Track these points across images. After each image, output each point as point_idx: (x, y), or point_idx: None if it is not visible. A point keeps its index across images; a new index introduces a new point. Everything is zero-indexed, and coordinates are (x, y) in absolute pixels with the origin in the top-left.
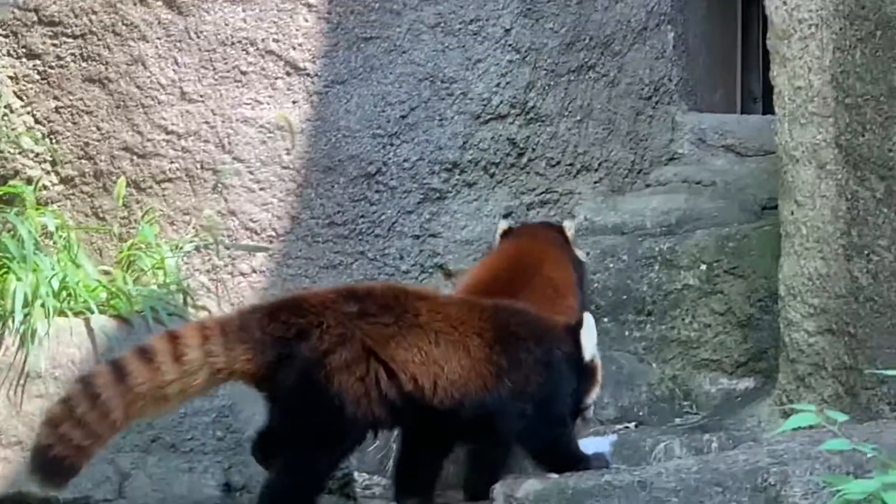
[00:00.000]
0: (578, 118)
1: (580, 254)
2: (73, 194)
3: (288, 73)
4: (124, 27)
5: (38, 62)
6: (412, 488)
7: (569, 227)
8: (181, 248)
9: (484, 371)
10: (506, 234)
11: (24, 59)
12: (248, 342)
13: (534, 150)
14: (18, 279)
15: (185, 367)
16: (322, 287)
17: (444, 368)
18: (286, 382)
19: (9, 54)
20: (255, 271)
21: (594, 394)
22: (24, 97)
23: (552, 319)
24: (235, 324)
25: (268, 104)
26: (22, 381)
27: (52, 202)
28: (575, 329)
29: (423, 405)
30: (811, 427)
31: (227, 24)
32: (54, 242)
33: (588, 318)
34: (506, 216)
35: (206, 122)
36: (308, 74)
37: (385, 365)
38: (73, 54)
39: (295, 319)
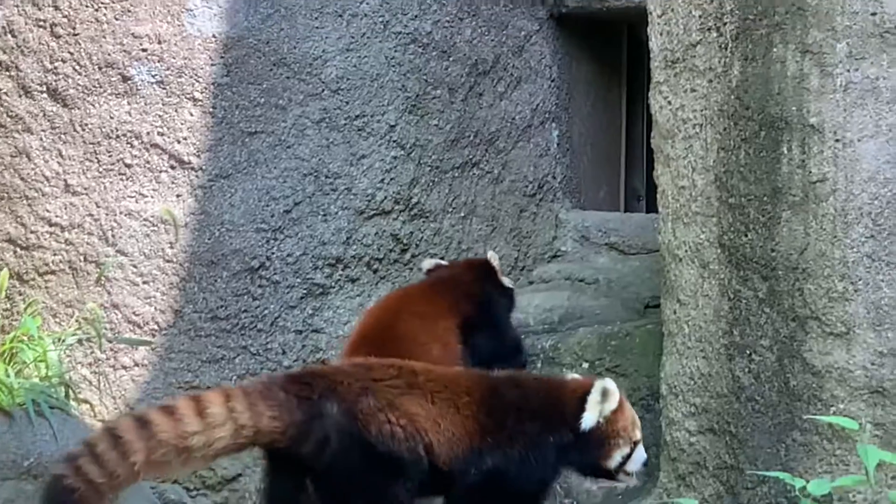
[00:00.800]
0: (462, 214)
1: (507, 281)
2: None
3: (172, 167)
4: (9, 119)
5: None
6: None
7: (492, 257)
8: (63, 340)
9: (472, 430)
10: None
11: None
12: (274, 400)
13: (417, 245)
14: None
15: (209, 419)
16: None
17: (440, 425)
18: (325, 444)
19: None
20: (137, 365)
21: (618, 455)
22: None
23: (562, 390)
24: (258, 387)
25: (152, 197)
26: None
27: None
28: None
29: (432, 464)
30: None
31: (112, 117)
32: None
33: (598, 384)
34: (433, 256)
35: (90, 215)
36: (193, 168)
37: (404, 416)
38: None
39: (316, 381)
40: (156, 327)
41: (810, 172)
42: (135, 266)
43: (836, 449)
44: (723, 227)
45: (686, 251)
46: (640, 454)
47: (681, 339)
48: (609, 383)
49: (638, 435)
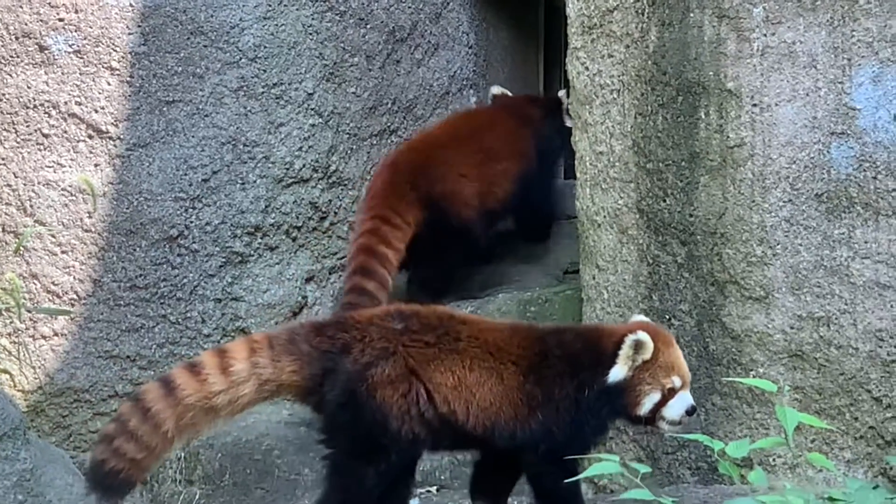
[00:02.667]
0: None
1: (569, 121)
2: None
3: (90, 136)
4: None
5: None
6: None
7: (562, 95)
8: None
9: (516, 401)
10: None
11: None
12: (296, 354)
13: (336, 213)
14: None
15: (233, 377)
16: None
17: (475, 395)
18: (331, 395)
19: None
20: (56, 334)
21: (647, 402)
22: None
23: (599, 344)
24: (283, 337)
25: (70, 167)
26: None
27: None
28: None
29: (458, 429)
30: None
31: (29, 87)
32: None
33: (630, 338)
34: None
35: (8, 185)
36: (110, 137)
37: (424, 385)
38: None
39: (340, 334)
40: (75, 297)
41: (728, 137)
42: (53, 236)
43: (756, 412)
44: (641, 193)
45: (604, 217)
46: (681, 401)
47: (600, 305)
48: (642, 336)
49: (675, 382)
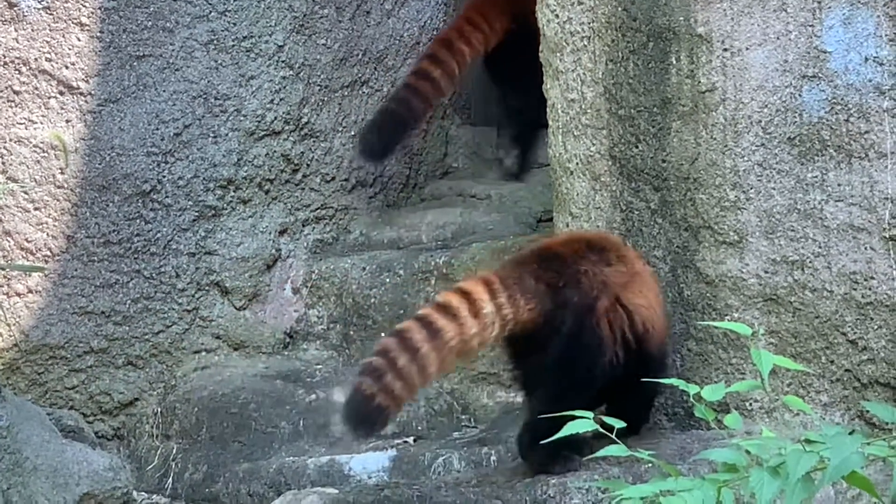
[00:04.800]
0: (353, 133)
1: None
2: None
3: (61, 93)
4: None
5: None
6: None
7: None
8: None
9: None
10: None
11: None
12: (528, 291)
13: (308, 165)
14: None
15: (485, 320)
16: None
17: (657, 313)
18: (565, 329)
19: None
20: (31, 291)
21: None
22: None
23: None
24: (513, 276)
25: (41, 123)
26: None
27: None
28: None
29: (643, 352)
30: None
31: None
32: None
33: None
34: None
35: None
36: (81, 93)
37: (626, 309)
38: None
39: (562, 268)
40: (48, 253)
41: (699, 82)
42: (26, 193)
43: (732, 357)
44: (613, 140)
45: (577, 164)
46: None
47: None
48: None
49: None
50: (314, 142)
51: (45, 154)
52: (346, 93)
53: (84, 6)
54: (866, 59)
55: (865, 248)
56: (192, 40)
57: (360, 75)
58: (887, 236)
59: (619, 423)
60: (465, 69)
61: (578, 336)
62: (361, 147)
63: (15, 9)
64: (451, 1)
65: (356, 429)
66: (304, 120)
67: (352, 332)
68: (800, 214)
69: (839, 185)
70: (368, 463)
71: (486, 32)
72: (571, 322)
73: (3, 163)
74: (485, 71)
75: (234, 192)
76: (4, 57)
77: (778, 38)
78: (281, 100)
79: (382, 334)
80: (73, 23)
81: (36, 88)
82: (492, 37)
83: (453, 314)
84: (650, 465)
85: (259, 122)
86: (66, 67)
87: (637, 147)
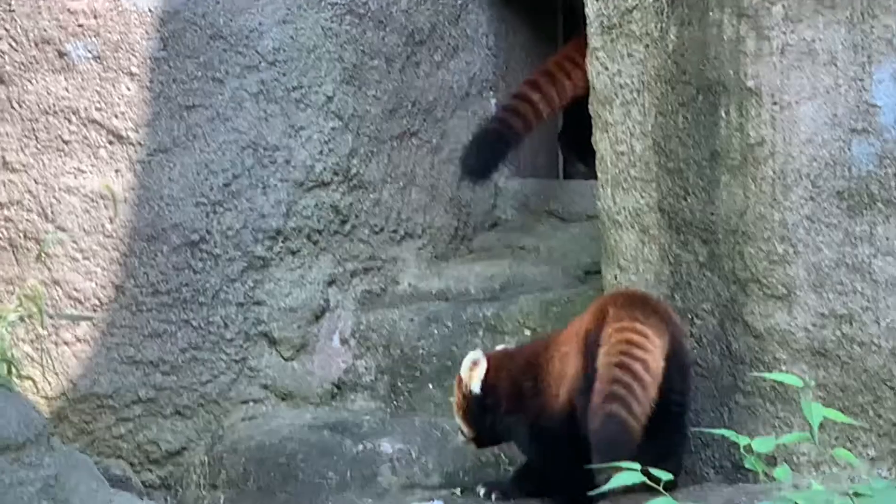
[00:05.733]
0: (401, 184)
1: None
2: None
3: (111, 142)
4: None
5: None
6: None
7: None
8: (5, 318)
9: None
10: None
11: None
12: (663, 328)
13: (357, 216)
14: None
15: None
16: None
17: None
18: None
19: None
20: (79, 340)
21: None
22: None
23: None
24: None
25: (91, 173)
26: None
27: None
28: None
29: None
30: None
31: (49, 94)
32: None
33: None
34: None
35: (29, 192)
36: (131, 143)
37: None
38: None
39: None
40: (97, 303)
41: (748, 135)
42: (75, 242)
43: (780, 411)
44: (662, 192)
45: (626, 217)
46: None
47: None
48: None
49: None
50: (363, 193)
51: (95, 203)
52: (395, 144)
53: (134, 56)
54: None
55: None
56: (241, 91)
57: (409, 126)
58: None
59: (666, 476)
60: (565, 101)
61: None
62: (464, 169)
63: (65, 58)
64: (501, 53)
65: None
66: (353, 171)
67: (399, 384)
68: (848, 268)
69: (888, 238)
70: None
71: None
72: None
73: (53, 212)
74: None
75: (283, 242)
76: (54, 106)
77: (827, 92)
78: (330, 151)
79: (430, 385)
80: (123, 72)
81: (85, 138)
82: None
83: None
84: None
85: (308, 172)
86: (116, 117)
87: (686, 200)
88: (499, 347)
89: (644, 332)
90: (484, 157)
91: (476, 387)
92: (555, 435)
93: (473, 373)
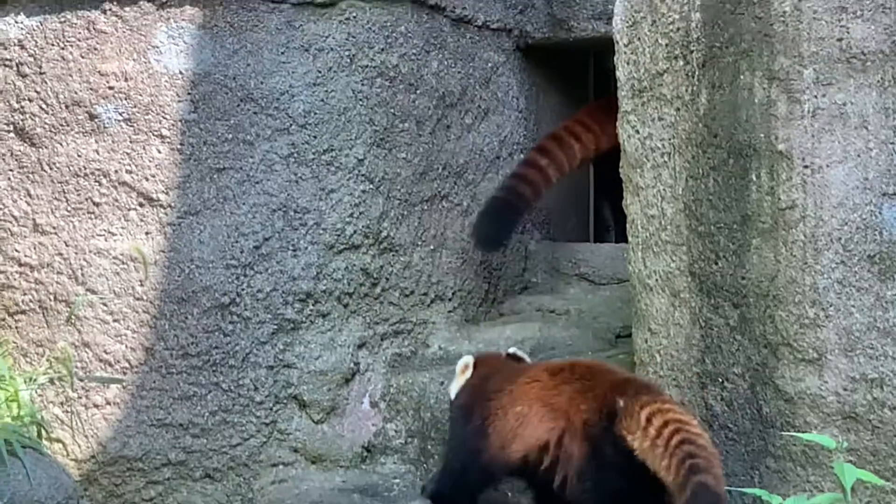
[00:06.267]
0: (432, 247)
1: None
2: None
3: (141, 205)
4: None
5: None
6: None
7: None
8: (35, 380)
9: None
10: None
11: None
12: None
13: (388, 279)
14: None
15: None
16: None
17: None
18: None
19: None
20: (109, 403)
21: None
22: None
23: None
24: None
25: (121, 235)
26: None
27: None
28: None
29: None
30: None
31: (79, 156)
32: None
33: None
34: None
35: (60, 254)
36: (161, 205)
37: None
38: None
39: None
40: (127, 365)
41: (779, 199)
42: (105, 304)
43: (811, 475)
44: (693, 256)
45: (656, 280)
46: None
47: (653, 368)
48: None
49: None
50: (393, 256)
51: (125, 266)
52: (425, 207)
53: (164, 118)
54: None
55: None
56: (272, 153)
57: (439, 189)
58: None
59: None
60: (575, 164)
61: None
62: (476, 238)
63: (96, 120)
64: (531, 116)
65: None
66: (384, 234)
67: (430, 447)
68: (879, 332)
69: None
70: None
71: (598, 133)
72: None
73: (83, 274)
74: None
75: (313, 305)
76: (85, 168)
77: (858, 156)
78: (361, 213)
79: None
80: (153, 135)
81: (116, 200)
82: (602, 139)
83: None
84: None
85: (339, 235)
86: (147, 179)
87: (717, 263)
88: (511, 349)
89: (681, 412)
90: (495, 226)
91: (453, 392)
92: (483, 474)
93: (461, 377)
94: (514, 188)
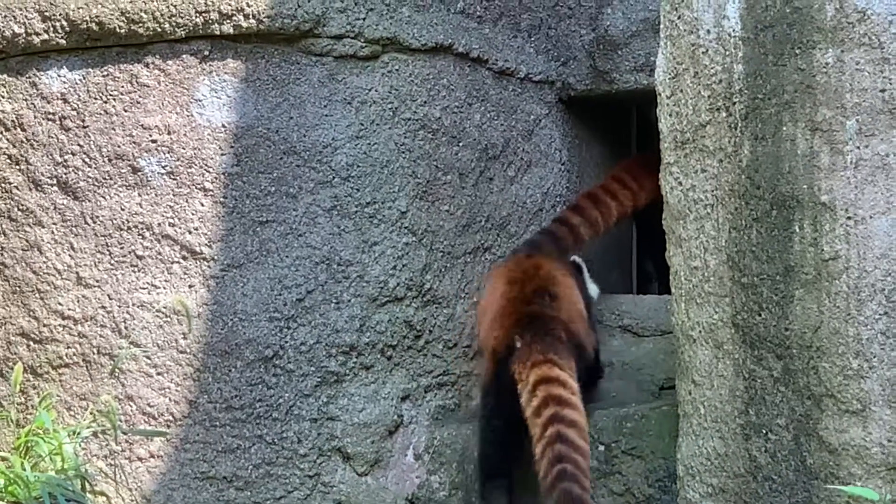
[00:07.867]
0: (475, 299)
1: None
2: None
3: (184, 258)
4: (20, 212)
5: None
6: None
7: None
8: (78, 433)
9: None
10: None
11: None
12: None
13: (431, 332)
14: None
15: None
16: None
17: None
18: None
19: None
20: (153, 456)
21: None
22: None
23: None
24: None
25: (164, 288)
26: None
27: None
28: None
29: None
30: None
31: (123, 209)
32: None
33: None
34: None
35: (103, 307)
36: (204, 258)
37: None
38: None
39: None
40: (171, 418)
41: (823, 250)
42: (148, 357)
43: None
44: (736, 307)
45: (700, 332)
46: None
47: (696, 420)
48: None
49: None
50: (436, 308)
51: (168, 319)
52: (468, 259)
53: (208, 171)
54: None
55: None
56: (315, 206)
57: (482, 242)
58: None
59: None
60: (611, 222)
61: None
62: None
63: (139, 174)
64: (574, 168)
65: None
66: (427, 286)
67: (473, 499)
68: None
69: None
70: None
71: (635, 190)
72: None
73: (126, 327)
74: (637, 231)
75: (357, 358)
76: (128, 221)
77: None
78: (404, 266)
79: None
80: (196, 188)
81: (159, 253)
82: (641, 194)
83: None
84: None
85: (382, 288)
86: (190, 232)
87: (760, 315)
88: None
89: (565, 380)
90: None
91: None
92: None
93: None
94: (538, 244)
